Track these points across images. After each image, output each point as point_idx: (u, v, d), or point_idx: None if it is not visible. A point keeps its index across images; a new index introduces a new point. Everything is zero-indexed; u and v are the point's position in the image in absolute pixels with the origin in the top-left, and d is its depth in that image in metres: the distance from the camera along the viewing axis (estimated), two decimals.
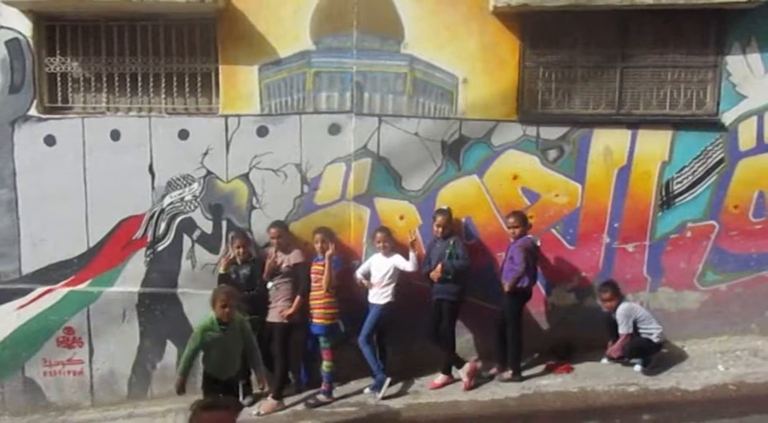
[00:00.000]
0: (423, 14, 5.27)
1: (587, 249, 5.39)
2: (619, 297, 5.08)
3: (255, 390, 5.20)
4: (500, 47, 5.28)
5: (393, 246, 5.20)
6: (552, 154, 5.38)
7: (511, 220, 5.08)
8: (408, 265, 5.06)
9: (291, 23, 5.29)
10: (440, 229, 5.11)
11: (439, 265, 4.98)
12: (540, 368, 5.27)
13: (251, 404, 5.16)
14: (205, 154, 5.43)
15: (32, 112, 5.37)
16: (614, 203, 5.36)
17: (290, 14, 5.29)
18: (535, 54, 5.30)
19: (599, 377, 5.02)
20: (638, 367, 5.05)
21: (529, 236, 5.07)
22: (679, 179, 5.36)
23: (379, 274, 5.16)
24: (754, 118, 5.28)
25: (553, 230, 5.40)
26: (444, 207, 5.24)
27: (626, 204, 5.36)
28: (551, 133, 5.36)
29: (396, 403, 5.01)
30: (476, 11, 5.23)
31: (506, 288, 4.99)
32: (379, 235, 5.19)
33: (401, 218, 5.44)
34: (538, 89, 5.35)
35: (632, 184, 5.35)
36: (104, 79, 5.47)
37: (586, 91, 5.34)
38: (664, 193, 5.37)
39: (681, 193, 5.37)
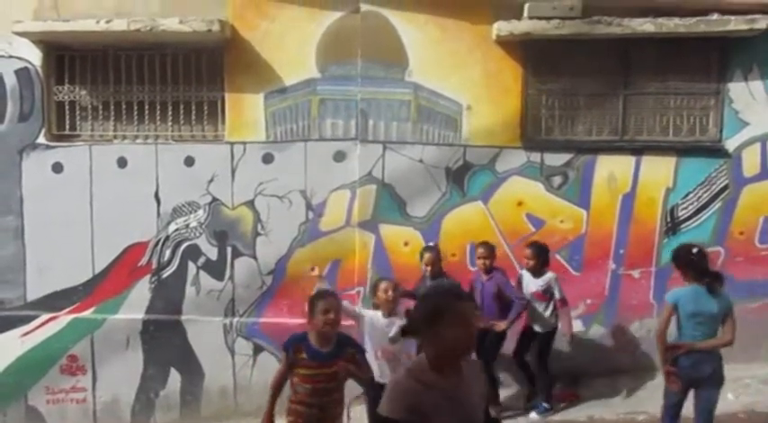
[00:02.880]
0: (427, 43, 5.49)
1: (593, 276, 5.54)
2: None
3: None
4: (503, 74, 5.49)
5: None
6: (556, 180, 5.58)
7: (480, 250, 4.97)
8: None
9: (297, 52, 5.53)
10: (428, 269, 4.86)
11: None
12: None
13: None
14: (211, 181, 5.67)
15: (41, 139, 5.66)
16: (619, 229, 5.53)
17: (296, 43, 5.53)
18: (538, 81, 5.51)
19: (607, 405, 5.18)
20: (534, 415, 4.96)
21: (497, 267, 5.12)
22: (684, 205, 5.55)
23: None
24: (758, 144, 5.49)
25: (558, 256, 5.53)
26: (431, 243, 5.17)
27: (631, 230, 5.54)
28: (555, 160, 5.55)
29: None
30: (479, 39, 5.45)
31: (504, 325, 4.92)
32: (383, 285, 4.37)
33: (406, 244, 5.62)
34: (541, 116, 5.55)
35: (637, 210, 5.53)
36: (112, 107, 5.74)
37: (589, 118, 5.54)
38: (669, 220, 5.54)
39: (686, 220, 5.55)
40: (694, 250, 3.81)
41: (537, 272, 5.05)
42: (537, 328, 5.10)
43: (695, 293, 3.71)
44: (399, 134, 5.57)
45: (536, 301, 5.10)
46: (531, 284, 5.10)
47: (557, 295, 5.08)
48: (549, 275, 5.08)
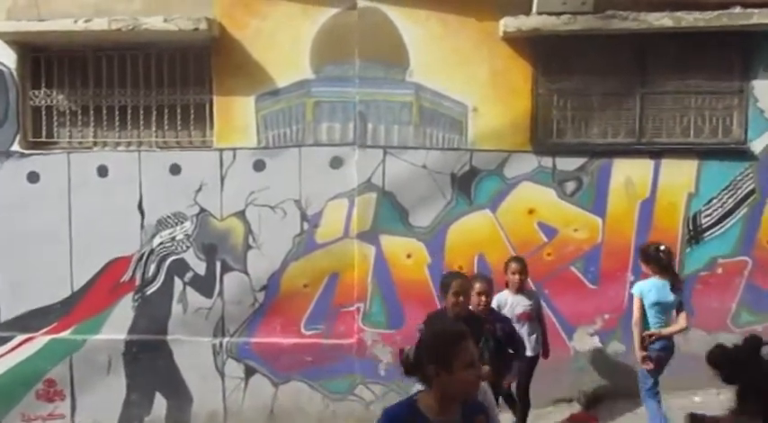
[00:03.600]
0: (429, 40, 5.40)
1: (611, 288, 5.42)
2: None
3: None
4: (511, 73, 5.40)
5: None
6: (570, 186, 5.47)
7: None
8: None
9: (290, 51, 5.44)
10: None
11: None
12: (561, 419, 5.26)
13: None
14: (198, 190, 5.57)
15: (15, 147, 5.56)
16: (638, 238, 5.38)
17: (289, 42, 5.45)
18: (549, 81, 5.42)
19: None
20: None
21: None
22: (707, 212, 5.43)
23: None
24: None
25: (573, 268, 5.45)
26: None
27: (651, 239, 5.26)
28: (568, 164, 5.45)
29: None
30: (485, 36, 5.36)
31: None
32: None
33: (408, 256, 5.52)
34: (552, 117, 5.46)
35: (657, 217, 5.42)
36: (92, 112, 5.64)
37: (604, 119, 5.45)
38: (691, 227, 5.44)
39: (709, 227, 5.43)
40: (662, 248, 4.55)
41: (522, 289, 4.84)
42: (528, 353, 4.81)
43: (657, 285, 4.49)
44: (400, 138, 5.48)
45: (524, 322, 4.84)
46: (519, 305, 4.83)
47: (543, 313, 5.02)
48: (534, 291, 5.00)
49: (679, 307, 4.57)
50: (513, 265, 4.83)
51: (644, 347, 4.48)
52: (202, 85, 5.55)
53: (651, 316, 4.53)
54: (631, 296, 5.16)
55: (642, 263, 4.66)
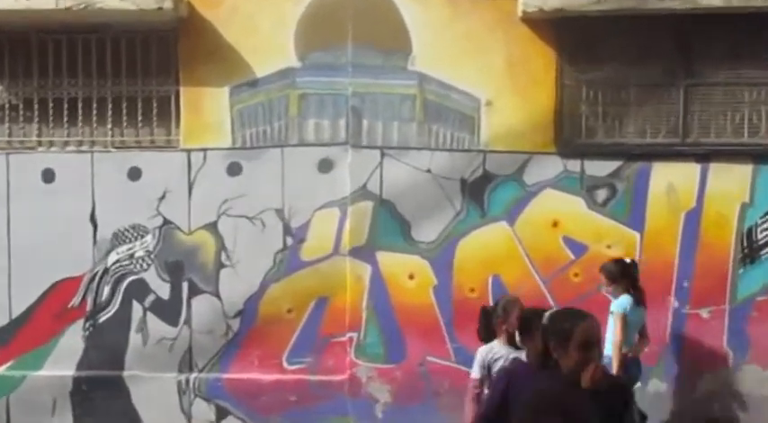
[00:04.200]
0: (435, 22, 5.37)
1: (650, 316, 5.26)
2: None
3: None
4: (532, 61, 5.36)
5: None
6: (601, 194, 5.42)
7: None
8: None
9: (271, 35, 5.41)
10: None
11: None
12: None
13: None
14: (161, 198, 5.53)
15: None
16: (682, 257, 5.38)
17: (270, 24, 5.41)
18: (576, 70, 5.38)
19: None
20: None
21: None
22: (764, 225, 5.39)
23: None
24: None
25: (605, 292, 5.22)
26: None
27: (698, 258, 5.38)
28: (599, 168, 5.40)
29: None
30: (501, 18, 5.33)
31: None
32: None
33: (410, 277, 5.47)
34: (581, 113, 5.42)
35: (704, 231, 5.38)
36: (35, 106, 5.60)
37: (642, 115, 5.41)
38: (745, 244, 5.39)
39: (767, 244, 5.40)
40: (628, 261, 4.98)
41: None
42: None
43: (632, 302, 4.86)
44: (401, 137, 5.46)
45: None
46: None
47: None
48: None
49: (644, 323, 5.02)
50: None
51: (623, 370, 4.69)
52: (167, 74, 5.51)
53: (628, 335, 4.87)
54: (677, 323, 5.39)
55: (608, 280, 4.94)
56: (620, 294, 4.90)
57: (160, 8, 5.17)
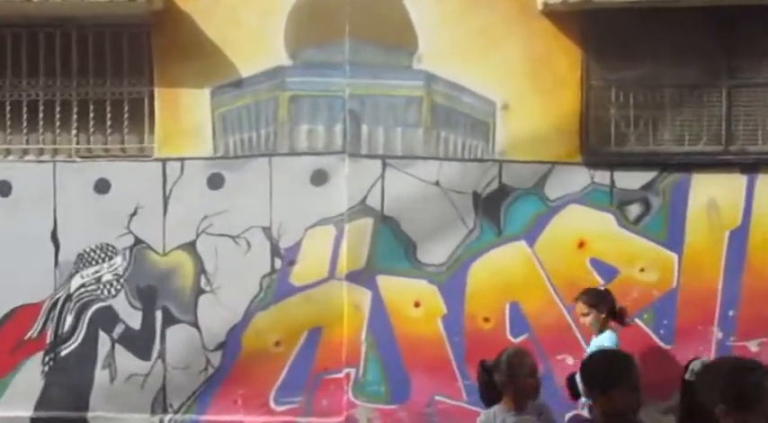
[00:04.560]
0: (445, 15, 5.34)
1: (690, 348, 5.16)
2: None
3: None
4: (554, 59, 5.34)
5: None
6: (634, 210, 5.36)
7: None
8: None
9: (258, 29, 5.39)
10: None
11: None
12: None
13: None
14: (133, 214, 5.48)
15: None
16: (727, 281, 5.32)
17: (257, 17, 5.38)
18: (604, 69, 5.35)
19: None
20: None
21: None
22: None
23: None
24: None
25: (639, 321, 5.32)
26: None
27: (744, 282, 5.32)
28: (631, 180, 5.35)
29: None
30: (519, 10, 5.31)
31: None
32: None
33: (416, 305, 5.41)
34: (610, 118, 5.38)
35: (752, 252, 5.32)
36: None
37: (680, 120, 5.37)
38: None
39: None
40: (603, 288, 4.89)
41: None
42: None
43: (614, 339, 4.61)
44: (405, 145, 5.43)
45: None
46: None
47: None
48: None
49: None
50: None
51: None
52: (140, 73, 5.50)
53: None
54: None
55: (592, 308, 4.66)
56: (600, 323, 4.62)
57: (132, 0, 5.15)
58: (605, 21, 5.23)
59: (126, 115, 5.51)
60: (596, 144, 5.36)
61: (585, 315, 4.65)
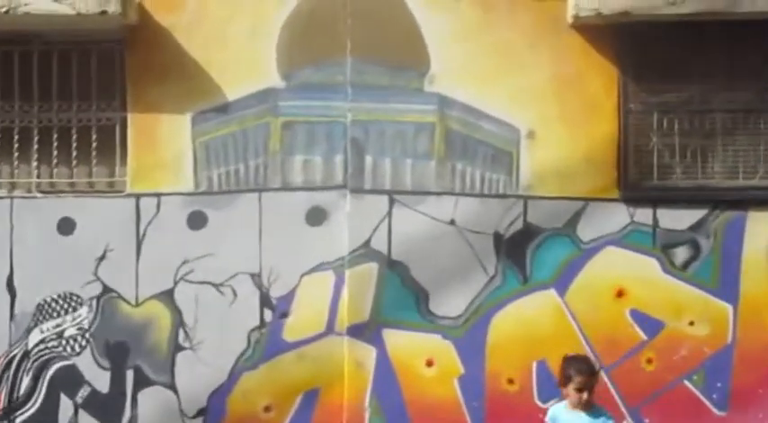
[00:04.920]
0: (460, 30, 5.31)
1: (748, 416, 5.24)
2: None
3: None
4: (587, 80, 5.29)
5: None
6: (681, 254, 5.29)
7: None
8: None
9: (247, 46, 5.36)
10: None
11: None
12: None
13: None
14: (101, 258, 5.40)
15: None
16: None
17: (245, 32, 5.35)
18: (645, 91, 5.30)
19: None
20: None
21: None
22: None
23: None
24: None
25: (688, 383, 5.26)
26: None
27: None
28: (678, 219, 5.29)
29: None
30: (546, 24, 5.27)
31: None
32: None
33: (429, 364, 5.32)
34: (651, 147, 5.33)
35: None
36: None
37: (732, 149, 5.33)
38: None
39: None
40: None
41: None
42: None
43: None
44: (416, 179, 5.36)
45: None
46: None
47: None
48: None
49: None
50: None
51: None
52: (111, 96, 5.46)
53: None
54: None
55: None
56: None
57: (104, 12, 5.07)
58: (646, 35, 5.21)
59: (94, 144, 5.45)
60: (636, 177, 5.31)
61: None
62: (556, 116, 5.27)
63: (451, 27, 5.30)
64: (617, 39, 5.23)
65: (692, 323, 5.24)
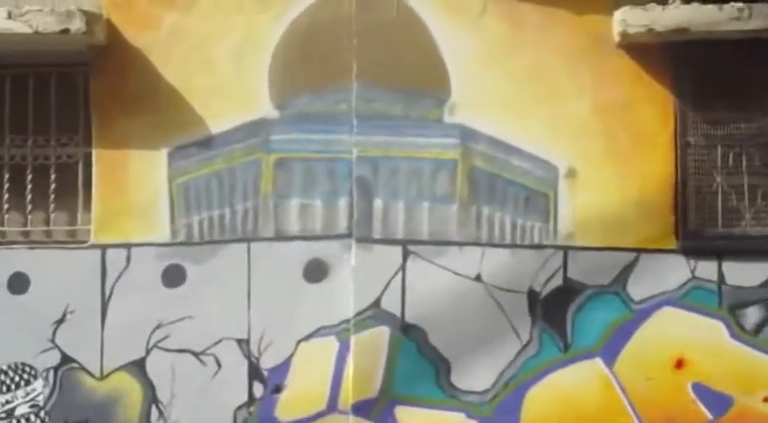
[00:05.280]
0: (487, 50, 5.20)
1: None
2: None
3: None
4: (637, 108, 5.15)
5: None
6: (752, 315, 5.13)
7: None
8: None
9: (234, 69, 5.26)
10: None
11: None
12: None
13: None
14: (60, 322, 5.24)
15: None
16: None
17: (232, 54, 5.24)
18: (706, 121, 5.19)
19: None
20: None
21: None
22: None
23: None
24: None
25: None
26: None
27: None
28: (747, 274, 5.13)
29: None
30: (588, 43, 5.16)
31: None
32: None
33: None
34: (715, 188, 5.21)
35: None
36: None
37: None
38: None
39: None
40: None
41: None
42: None
43: None
44: (434, 226, 5.18)
45: None
46: None
47: None
48: None
49: None
50: None
51: None
52: (73, 130, 5.35)
53: None
54: None
55: None
56: None
57: (66, 31, 4.96)
58: (707, 56, 5.12)
59: (53, 186, 5.32)
60: (697, 224, 5.19)
61: None
62: (601, 151, 5.13)
63: (476, 46, 5.18)
64: (672, 60, 5.11)
65: (766, 400, 5.06)
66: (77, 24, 4.94)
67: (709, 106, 5.18)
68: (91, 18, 4.99)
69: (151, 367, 5.18)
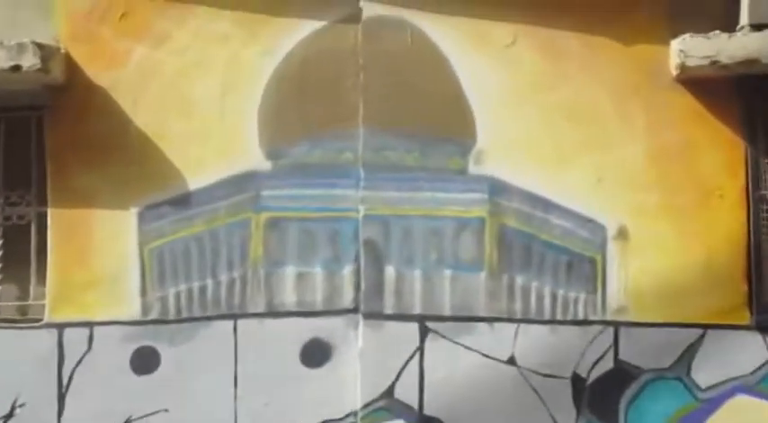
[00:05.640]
0: (517, 87, 5.00)
1: None
2: None
3: None
4: (700, 154, 4.92)
5: None
6: None
7: None
8: None
9: (215, 113, 5.06)
10: None
11: None
12: None
13: None
14: (8, 417, 5.10)
15: None
16: None
17: (215, 93, 5.05)
18: None
19: None
20: None
21: None
22: None
23: None
24: None
25: None
26: None
27: None
28: None
29: None
30: (641, 77, 4.94)
31: None
32: None
33: None
34: None
35: None
36: None
37: None
38: None
39: None
40: None
41: None
42: None
43: None
44: (457, 299, 4.97)
45: None
46: None
47: None
48: None
49: None
50: None
51: None
52: (24, 185, 5.20)
53: None
54: None
55: None
56: None
57: (17, 68, 4.78)
58: None
59: (0, 253, 5.15)
60: None
61: None
62: (657, 207, 4.89)
63: (505, 82, 4.98)
64: (741, 96, 4.89)
65: None
66: (30, 60, 4.81)
67: None
68: (47, 52, 4.86)
69: None
